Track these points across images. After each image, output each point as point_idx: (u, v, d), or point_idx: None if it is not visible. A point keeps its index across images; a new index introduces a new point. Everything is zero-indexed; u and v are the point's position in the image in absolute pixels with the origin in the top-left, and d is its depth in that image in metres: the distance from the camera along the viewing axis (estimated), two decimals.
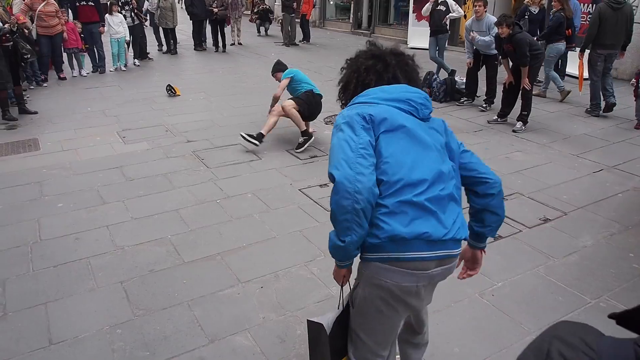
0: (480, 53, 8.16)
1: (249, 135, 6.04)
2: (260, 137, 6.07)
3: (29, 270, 3.73)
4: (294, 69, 6.73)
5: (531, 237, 4.23)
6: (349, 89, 2.10)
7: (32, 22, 9.18)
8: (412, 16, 14.39)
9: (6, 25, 6.94)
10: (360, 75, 2.05)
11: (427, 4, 9.64)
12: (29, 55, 7.38)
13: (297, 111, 6.16)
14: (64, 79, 10.05)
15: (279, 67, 6.87)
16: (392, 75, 2.03)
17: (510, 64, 7.13)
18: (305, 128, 6.28)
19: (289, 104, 6.20)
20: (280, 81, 6.57)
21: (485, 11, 7.94)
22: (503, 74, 7.52)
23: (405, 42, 14.65)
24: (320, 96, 6.47)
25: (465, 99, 8.62)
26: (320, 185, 5.17)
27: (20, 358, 2.89)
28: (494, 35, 7.43)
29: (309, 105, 6.33)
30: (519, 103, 7.18)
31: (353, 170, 1.76)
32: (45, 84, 9.56)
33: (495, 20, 7.70)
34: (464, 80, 8.81)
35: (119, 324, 3.17)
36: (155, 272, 3.71)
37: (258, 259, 3.88)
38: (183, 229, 4.33)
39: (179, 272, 3.72)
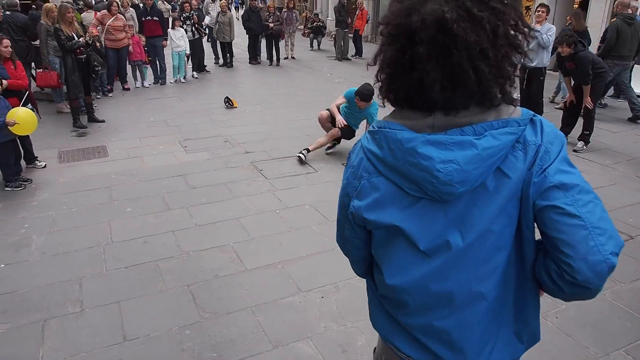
0: (526, 67, 8.04)
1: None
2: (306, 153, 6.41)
3: (102, 269, 3.95)
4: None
5: None
6: (389, 91, 1.30)
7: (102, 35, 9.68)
8: None
9: (81, 39, 7.34)
10: (386, 78, 1.29)
11: None
12: (100, 67, 7.79)
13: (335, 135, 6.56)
14: (128, 89, 10.51)
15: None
16: (418, 80, 1.16)
17: (572, 82, 7.02)
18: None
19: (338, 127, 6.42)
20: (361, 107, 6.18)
21: (546, 18, 7.88)
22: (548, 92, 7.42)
23: None
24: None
25: None
26: None
27: (97, 352, 3.07)
28: (549, 42, 7.34)
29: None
30: (579, 124, 7.05)
31: (344, 249, 1.60)
32: (110, 94, 10.03)
33: (553, 27, 7.63)
34: (519, 97, 8.71)
35: (187, 325, 3.31)
36: (220, 277, 3.85)
37: (318, 269, 3.97)
38: (244, 237, 4.47)
39: (242, 278, 3.84)
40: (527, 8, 13.50)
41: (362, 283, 3.69)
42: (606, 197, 5.34)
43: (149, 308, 3.49)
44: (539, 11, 7.83)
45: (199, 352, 3.08)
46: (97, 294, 3.63)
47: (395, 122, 1.23)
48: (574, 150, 6.87)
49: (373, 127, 1.28)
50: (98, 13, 9.92)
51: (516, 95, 8.35)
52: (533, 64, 7.88)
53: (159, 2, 20.02)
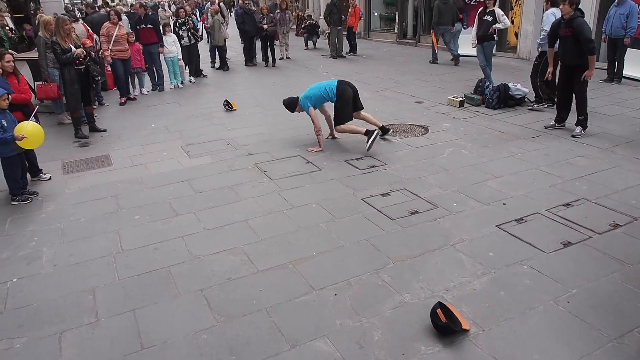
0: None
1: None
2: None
3: (115, 278, 3.97)
4: (305, 94, 6.97)
5: (602, 243, 4.18)
6: None
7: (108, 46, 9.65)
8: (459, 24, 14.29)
9: (79, 50, 7.32)
10: None
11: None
12: (99, 77, 7.80)
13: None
14: (134, 99, 10.43)
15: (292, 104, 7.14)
16: None
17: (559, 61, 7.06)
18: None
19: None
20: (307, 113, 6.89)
21: (548, 5, 8.09)
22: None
23: None
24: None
25: (541, 104, 8.60)
26: (383, 195, 5.26)
27: None
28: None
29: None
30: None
31: None
32: (107, 104, 10.03)
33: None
34: (517, 87, 8.75)
35: (204, 329, 3.34)
36: (232, 280, 3.88)
37: (329, 267, 4.00)
38: (254, 238, 4.50)
39: (254, 280, 3.87)
40: None
41: (374, 278, 3.76)
42: (608, 180, 5.41)
43: (164, 314, 3.51)
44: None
45: (217, 355, 3.10)
46: (111, 303, 3.66)
47: None
48: (572, 136, 6.90)
49: None
50: (103, 25, 9.83)
51: (513, 84, 8.37)
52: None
53: (160, 9, 20.11)
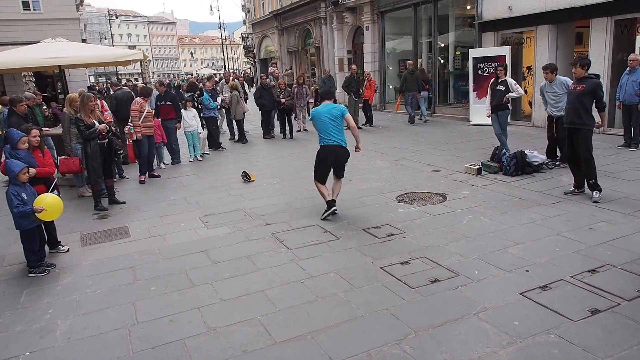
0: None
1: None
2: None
3: (129, 351, 3.88)
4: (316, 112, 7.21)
5: (631, 310, 4.01)
6: None
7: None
8: (472, 94, 14.65)
9: (102, 125, 7.59)
10: None
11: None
12: (122, 151, 8.02)
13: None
14: (159, 176, 10.29)
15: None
16: None
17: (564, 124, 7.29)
18: (328, 199, 6.87)
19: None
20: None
21: (555, 74, 8.46)
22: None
23: (468, 120, 14.86)
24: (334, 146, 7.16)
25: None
26: (402, 263, 5.17)
27: None
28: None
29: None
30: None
31: None
32: (127, 177, 10.21)
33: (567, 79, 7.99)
34: (534, 153, 8.78)
35: None
36: (249, 352, 3.76)
37: (348, 338, 3.87)
38: (271, 309, 4.41)
39: (271, 352, 3.75)
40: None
41: (396, 349, 3.61)
42: (632, 246, 5.26)
43: None
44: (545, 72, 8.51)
45: None
46: None
47: None
48: (594, 202, 6.79)
49: None
50: (135, 101, 10.02)
51: (529, 151, 8.45)
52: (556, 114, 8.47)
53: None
